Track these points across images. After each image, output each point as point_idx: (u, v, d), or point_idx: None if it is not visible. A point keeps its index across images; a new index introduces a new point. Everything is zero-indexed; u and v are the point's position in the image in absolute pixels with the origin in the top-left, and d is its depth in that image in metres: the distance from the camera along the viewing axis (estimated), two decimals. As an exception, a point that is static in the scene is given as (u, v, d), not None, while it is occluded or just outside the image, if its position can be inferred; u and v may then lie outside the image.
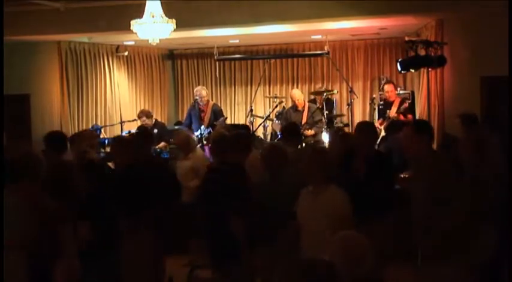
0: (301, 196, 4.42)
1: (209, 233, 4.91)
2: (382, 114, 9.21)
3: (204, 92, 9.21)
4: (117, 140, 5.73)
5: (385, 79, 10.48)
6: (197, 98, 9.18)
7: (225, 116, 9.43)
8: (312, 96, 10.39)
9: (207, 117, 9.04)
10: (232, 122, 11.28)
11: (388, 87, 9.31)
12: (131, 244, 4.81)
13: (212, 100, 10.37)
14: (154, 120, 9.15)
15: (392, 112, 8.94)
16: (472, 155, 4.23)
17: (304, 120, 8.84)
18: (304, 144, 8.13)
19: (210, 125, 8.90)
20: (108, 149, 7.86)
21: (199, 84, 11.28)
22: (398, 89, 9.84)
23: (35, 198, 4.05)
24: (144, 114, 9.10)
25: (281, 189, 4.60)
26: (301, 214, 4.37)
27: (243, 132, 6.08)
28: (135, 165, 5.10)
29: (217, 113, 9.21)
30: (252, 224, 4.55)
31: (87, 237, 4.30)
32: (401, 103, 8.97)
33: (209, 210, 4.90)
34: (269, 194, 4.62)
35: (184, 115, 10.32)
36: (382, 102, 9.55)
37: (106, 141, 8.37)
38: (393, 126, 8.43)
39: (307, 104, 9.23)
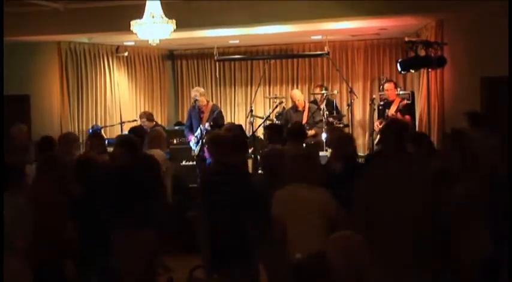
0: (281, 197, 4.38)
1: (211, 234, 4.89)
2: (382, 114, 9.20)
3: (197, 92, 9.14)
4: (117, 141, 5.80)
5: (385, 79, 10.47)
6: (195, 98, 9.18)
7: (219, 109, 9.34)
8: (312, 97, 10.39)
9: (205, 117, 9.03)
10: (232, 123, 11.26)
11: (388, 86, 9.31)
12: (125, 243, 4.82)
13: (212, 101, 10.36)
14: (154, 123, 9.16)
15: (392, 111, 8.93)
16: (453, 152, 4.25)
17: (304, 121, 8.83)
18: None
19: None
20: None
21: (199, 85, 11.27)
22: (399, 89, 9.83)
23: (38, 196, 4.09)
24: (145, 116, 9.12)
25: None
26: (287, 215, 4.33)
27: (238, 133, 6.07)
28: (129, 164, 5.15)
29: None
30: (259, 225, 4.54)
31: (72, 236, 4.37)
32: (400, 103, 8.97)
33: (211, 213, 4.89)
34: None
35: (185, 115, 10.34)
36: (382, 103, 9.54)
37: (106, 142, 8.37)
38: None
39: (307, 105, 9.24)
